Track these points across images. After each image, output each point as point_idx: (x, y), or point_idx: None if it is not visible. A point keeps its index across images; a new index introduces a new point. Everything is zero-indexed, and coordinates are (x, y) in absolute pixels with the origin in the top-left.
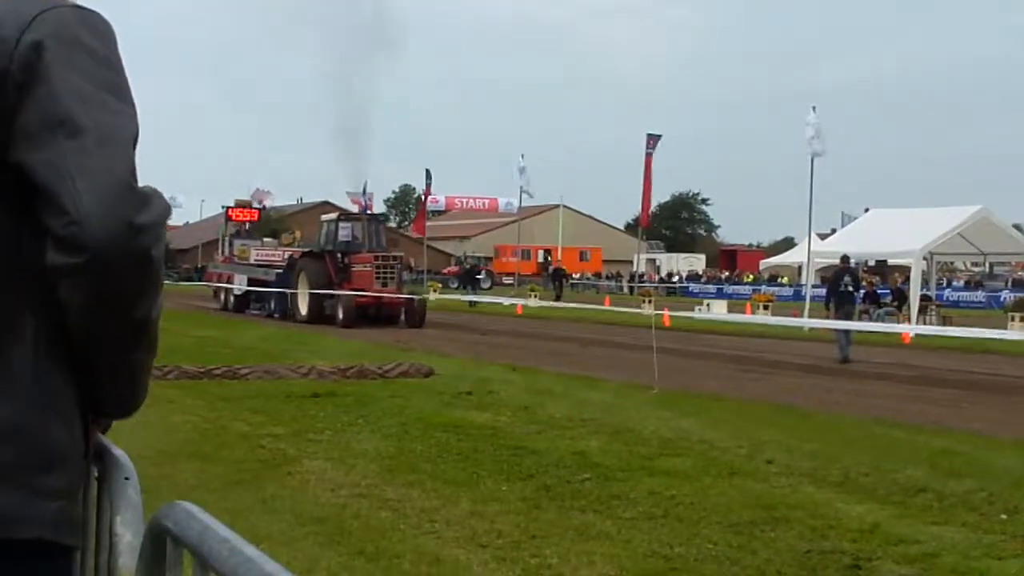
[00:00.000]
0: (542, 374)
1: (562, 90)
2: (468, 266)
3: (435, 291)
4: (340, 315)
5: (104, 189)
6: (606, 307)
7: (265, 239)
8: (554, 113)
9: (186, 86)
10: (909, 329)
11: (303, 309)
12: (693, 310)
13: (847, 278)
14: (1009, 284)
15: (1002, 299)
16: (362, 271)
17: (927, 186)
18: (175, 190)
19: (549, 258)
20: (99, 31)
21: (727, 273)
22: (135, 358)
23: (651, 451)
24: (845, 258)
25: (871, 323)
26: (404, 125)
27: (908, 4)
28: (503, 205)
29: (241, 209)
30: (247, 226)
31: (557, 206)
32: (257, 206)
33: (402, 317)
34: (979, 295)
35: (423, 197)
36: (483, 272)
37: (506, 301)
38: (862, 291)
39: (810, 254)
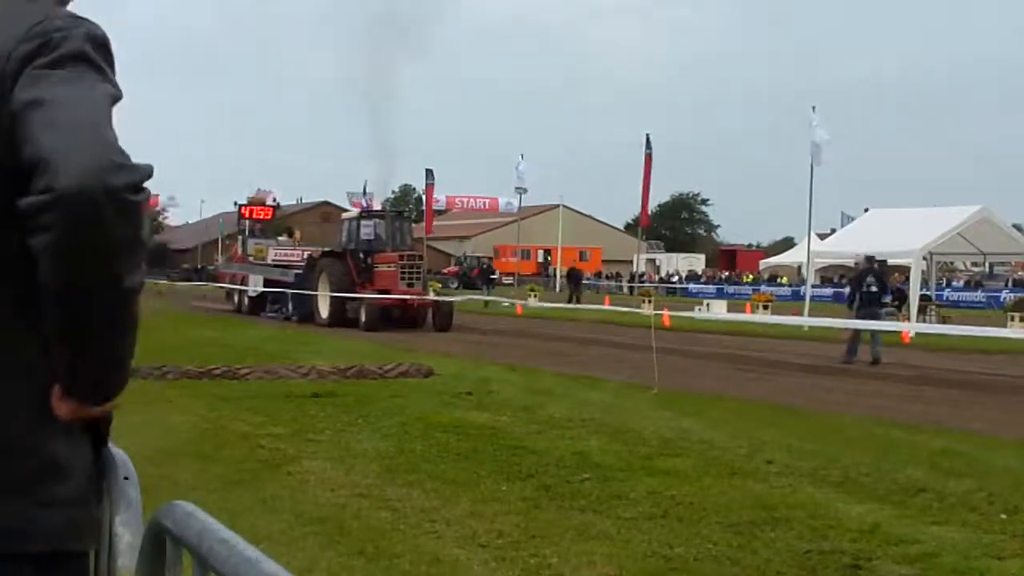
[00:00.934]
0: (542, 374)
1: (562, 90)
2: (484, 266)
3: (435, 291)
4: (363, 318)
5: (76, 131)
6: (606, 307)
7: (280, 238)
8: (554, 113)
9: (186, 86)
10: (909, 327)
11: (324, 311)
12: (693, 310)
13: (871, 278)
14: (1009, 284)
15: (1002, 299)
16: (386, 271)
17: (927, 186)
18: (175, 190)
19: (549, 258)
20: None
21: (727, 273)
22: (112, 333)
23: (651, 451)
24: (870, 258)
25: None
26: (404, 125)
27: (908, 4)
28: (503, 205)
29: (255, 207)
30: (258, 225)
31: (557, 206)
32: (271, 203)
33: (428, 319)
34: (979, 295)
35: (424, 197)
36: (497, 272)
37: (513, 301)
38: (890, 292)
39: (810, 254)
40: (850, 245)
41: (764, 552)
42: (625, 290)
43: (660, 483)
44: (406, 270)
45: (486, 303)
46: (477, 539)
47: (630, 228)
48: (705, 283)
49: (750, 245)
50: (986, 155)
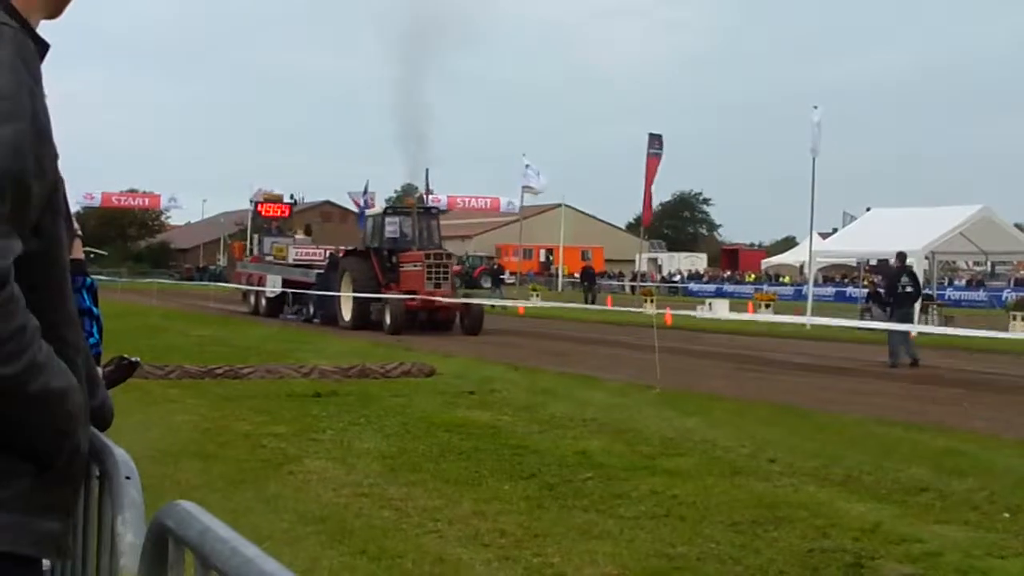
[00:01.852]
0: (544, 374)
1: (564, 90)
2: (494, 267)
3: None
4: (388, 320)
5: None
6: (608, 307)
7: (298, 236)
8: (556, 113)
9: (186, 85)
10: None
11: (347, 313)
12: (695, 309)
13: (905, 278)
14: (1011, 283)
15: (1004, 298)
16: (412, 271)
17: (928, 185)
18: (176, 189)
19: (551, 258)
20: None
21: (729, 272)
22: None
23: (653, 450)
24: (903, 256)
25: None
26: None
27: (909, 3)
28: (504, 205)
29: (271, 204)
30: (274, 223)
31: (559, 205)
32: (288, 201)
33: (457, 322)
34: (981, 294)
35: (423, 197)
36: (507, 272)
37: (515, 303)
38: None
39: (812, 253)
40: (852, 244)
41: (767, 551)
42: (627, 289)
43: (662, 482)
44: (433, 270)
45: (492, 306)
46: (480, 538)
47: (632, 227)
48: (707, 282)
49: (752, 244)
50: (988, 154)
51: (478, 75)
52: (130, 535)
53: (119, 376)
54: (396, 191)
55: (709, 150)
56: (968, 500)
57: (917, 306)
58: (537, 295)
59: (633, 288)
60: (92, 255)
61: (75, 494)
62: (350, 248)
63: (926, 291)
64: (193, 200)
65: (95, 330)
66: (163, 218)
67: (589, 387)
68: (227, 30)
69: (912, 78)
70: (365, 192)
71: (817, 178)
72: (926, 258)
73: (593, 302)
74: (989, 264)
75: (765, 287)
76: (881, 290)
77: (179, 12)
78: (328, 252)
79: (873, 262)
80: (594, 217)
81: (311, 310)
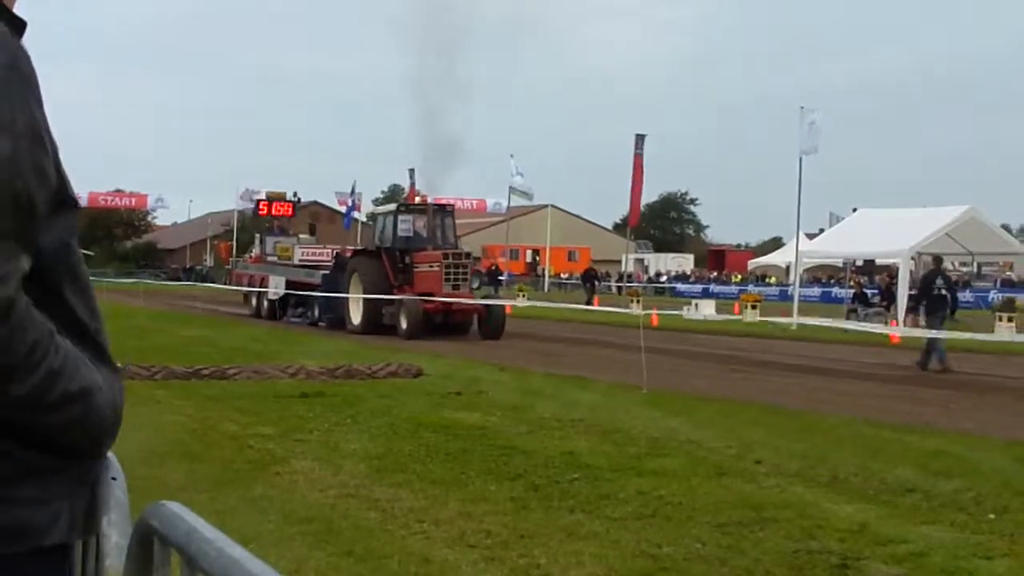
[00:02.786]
0: (531, 374)
1: (551, 90)
2: (492, 267)
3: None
4: (403, 324)
5: None
6: (595, 307)
7: (301, 236)
8: (542, 113)
9: (173, 86)
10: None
11: (356, 316)
12: (681, 310)
13: (940, 280)
14: (997, 284)
15: (990, 299)
16: (428, 272)
17: (915, 186)
18: (162, 190)
19: (537, 258)
20: None
21: (715, 273)
22: (48, 422)
23: (640, 451)
24: (938, 259)
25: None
26: (393, 124)
27: (898, 5)
28: (491, 206)
29: (274, 202)
30: (277, 222)
31: (546, 206)
32: (291, 199)
33: (474, 325)
34: (967, 295)
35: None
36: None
37: (511, 302)
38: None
39: (798, 254)
40: (838, 245)
41: (753, 552)
42: (613, 290)
43: (649, 483)
44: (451, 271)
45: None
46: (466, 539)
47: (619, 228)
48: (693, 283)
49: (739, 245)
50: (974, 155)
51: (466, 74)
52: (116, 535)
53: None
54: (383, 192)
55: (696, 151)
56: (955, 501)
57: (903, 307)
58: (524, 295)
59: (620, 289)
60: None
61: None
62: (358, 248)
63: (912, 292)
64: (180, 200)
65: None
66: (149, 218)
67: (576, 388)
68: (215, 30)
69: (900, 80)
70: (352, 193)
71: (804, 179)
72: (912, 259)
73: (591, 301)
74: (975, 265)
75: (751, 288)
76: (869, 291)
77: (165, 12)
78: (335, 252)
79: (860, 263)
80: (580, 218)
81: (316, 312)
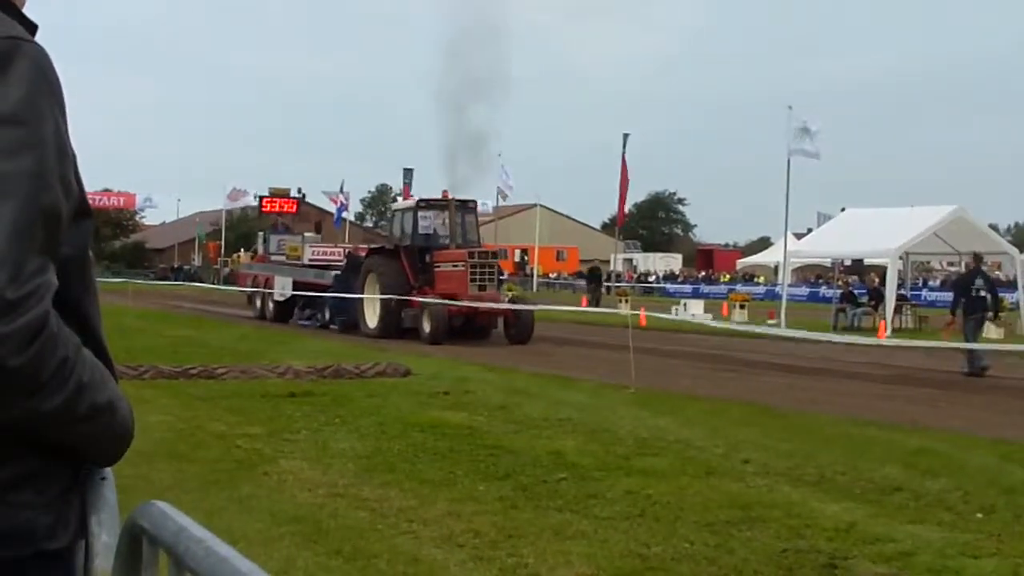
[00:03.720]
0: (519, 374)
1: (539, 90)
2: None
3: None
4: (427, 327)
5: None
6: (582, 307)
7: (307, 234)
8: (531, 113)
9: (162, 85)
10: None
11: (372, 319)
12: (670, 310)
13: (980, 280)
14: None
15: None
16: (452, 272)
17: (903, 186)
18: (151, 190)
19: (526, 258)
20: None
21: (703, 273)
22: (74, 434)
23: (628, 450)
24: (978, 257)
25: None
26: (381, 124)
27: (883, 5)
28: (479, 205)
29: (277, 199)
30: (281, 219)
31: (534, 206)
32: (296, 195)
33: (498, 329)
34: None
35: (401, 197)
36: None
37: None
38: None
39: (786, 254)
40: (826, 245)
41: (741, 551)
42: (602, 290)
43: (637, 483)
44: (478, 270)
45: None
46: (454, 539)
47: (607, 228)
48: (682, 283)
49: (727, 245)
50: (962, 155)
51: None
52: (104, 535)
53: None
54: (370, 191)
55: (685, 151)
56: (942, 500)
57: (891, 307)
58: (513, 295)
59: (608, 288)
60: None
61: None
62: (375, 246)
63: (901, 291)
64: (168, 200)
65: None
66: (138, 218)
67: (564, 387)
68: (201, 31)
69: (887, 80)
70: (341, 191)
71: (792, 178)
72: (900, 258)
73: (598, 304)
74: (963, 264)
75: (739, 287)
76: (857, 291)
77: (152, 12)
78: (347, 251)
79: (848, 262)
80: (569, 217)
81: (327, 315)
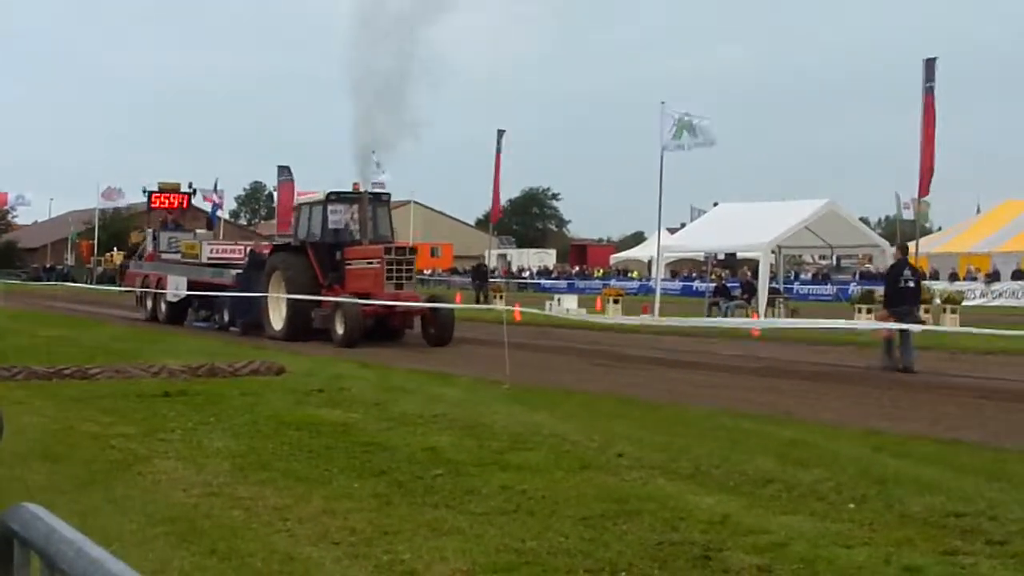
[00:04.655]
0: (394, 371)
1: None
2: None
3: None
4: (340, 329)
5: None
6: (457, 304)
7: (199, 231)
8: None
9: (33, 84)
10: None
11: (277, 321)
12: (544, 305)
13: (908, 271)
14: (857, 276)
15: (850, 291)
16: (366, 269)
17: (775, 181)
18: (23, 188)
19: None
20: None
21: (578, 268)
22: None
23: (502, 446)
24: (904, 248)
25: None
26: (253, 119)
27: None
28: None
29: (166, 195)
30: (171, 215)
31: (408, 202)
32: (186, 190)
33: (414, 329)
34: (828, 288)
35: (276, 194)
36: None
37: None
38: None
39: (660, 248)
40: (699, 239)
41: (616, 545)
42: (488, 286)
43: (512, 478)
44: (394, 267)
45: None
46: (330, 536)
47: (481, 224)
48: (556, 278)
49: (600, 240)
50: (832, 150)
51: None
52: None
53: None
54: (244, 189)
55: (557, 146)
56: (814, 491)
57: (764, 301)
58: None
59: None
60: None
61: None
62: (279, 243)
63: (773, 285)
64: (40, 199)
65: None
66: (10, 217)
67: (439, 383)
68: (76, 29)
69: (760, 73)
70: (215, 189)
71: (665, 174)
72: (773, 252)
73: (486, 300)
74: (835, 258)
75: (614, 282)
76: (729, 284)
77: (29, 10)
78: (249, 249)
79: (721, 256)
80: (443, 214)
81: (226, 317)
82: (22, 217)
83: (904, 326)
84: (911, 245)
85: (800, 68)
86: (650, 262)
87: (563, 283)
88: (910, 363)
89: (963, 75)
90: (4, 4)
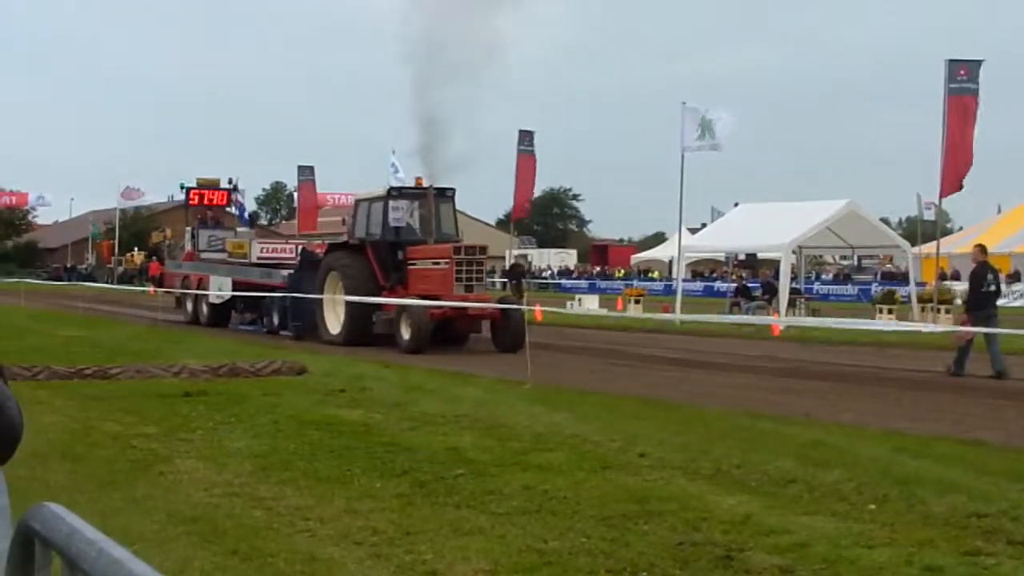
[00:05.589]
0: (415, 370)
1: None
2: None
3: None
4: (406, 334)
5: None
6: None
7: (240, 229)
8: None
9: (56, 84)
10: (781, 321)
11: (334, 324)
12: (565, 305)
13: (991, 275)
14: (878, 277)
15: (871, 292)
16: (432, 270)
17: (796, 181)
18: (43, 189)
19: None
20: None
21: (599, 268)
22: None
23: (524, 446)
24: (983, 249)
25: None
26: (274, 120)
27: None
28: None
29: (206, 191)
30: (210, 213)
31: None
32: (227, 186)
33: (482, 332)
34: (849, 288)
35: (296, 194)
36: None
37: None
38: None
39: (680, 248)
40: (720, 239)
41: (637, 545)
42: (497, 286)
43: (534, 478)
44: (464, 268)
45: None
46: (352, 537)
47: (502, 224)
48: (577, 278)
49: (622, 240)
50: (853, 150)
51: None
52: None
53: None
54: (265, 189)
55: (579, 146)
56: (835, 491)
57: (784, 301)
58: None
59: (504, 284)
60: None
61: None
62: (334, 242)
63: (794, 285)
64: (61, 199)
65: None
66: (30, 217)
67: (460, 384)
68: (96, 27)
69: (780, 75)
70: (237, 189)
71: (686, 174)
72: (793, 252)
73: (520, 299)
74: (856, 258)
75: (635, 282)
76: (750, 285)
77: (46, 9)
78: (300, 248)
79: (742, 256)
80: (463, 213)
81: (275, 320)
82: (42, 217)
83: (990, 330)
84: (932, 246)
85: (822, 69)
86: (671, 262)
87: (584, 283)
88: (1003, 368)
89: (986, 75)
90: (27, 5)
